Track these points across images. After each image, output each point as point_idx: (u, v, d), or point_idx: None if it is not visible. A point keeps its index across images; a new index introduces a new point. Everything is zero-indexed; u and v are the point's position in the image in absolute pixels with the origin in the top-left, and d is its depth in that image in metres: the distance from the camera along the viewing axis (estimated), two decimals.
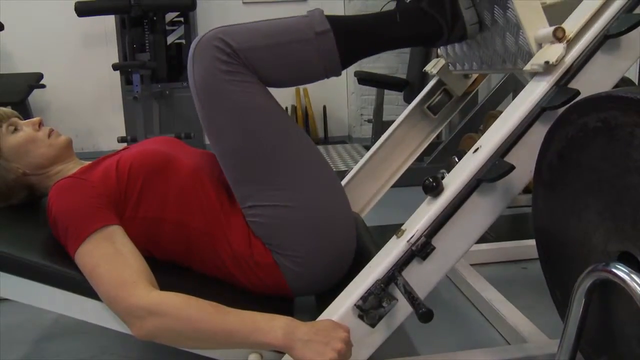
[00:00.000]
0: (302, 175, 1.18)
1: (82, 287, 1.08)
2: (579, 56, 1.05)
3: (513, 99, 3.41)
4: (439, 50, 1.75)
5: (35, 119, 1.33)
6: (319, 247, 1.18)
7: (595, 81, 1.05)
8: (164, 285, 1.07)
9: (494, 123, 1.12)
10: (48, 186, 1.26)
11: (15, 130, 1.29)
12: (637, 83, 2.51)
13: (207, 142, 5.06)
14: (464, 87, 1.76)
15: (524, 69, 1.14)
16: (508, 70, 1.31)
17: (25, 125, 1.31)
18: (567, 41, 1.05)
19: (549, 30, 1.08)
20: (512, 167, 1.00)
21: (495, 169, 1.02)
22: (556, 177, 1.01)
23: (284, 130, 1.19)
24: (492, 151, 1.05)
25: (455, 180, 1.06)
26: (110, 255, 1.06)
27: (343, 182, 1.73)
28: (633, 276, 0.78)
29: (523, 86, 1.14)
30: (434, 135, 1.82)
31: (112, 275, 1.04)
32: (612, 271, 0.81)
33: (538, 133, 1.04)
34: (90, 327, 1.14)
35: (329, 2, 4.92)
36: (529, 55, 1.14)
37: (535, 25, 1.14)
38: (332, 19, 1.19)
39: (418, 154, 1.80)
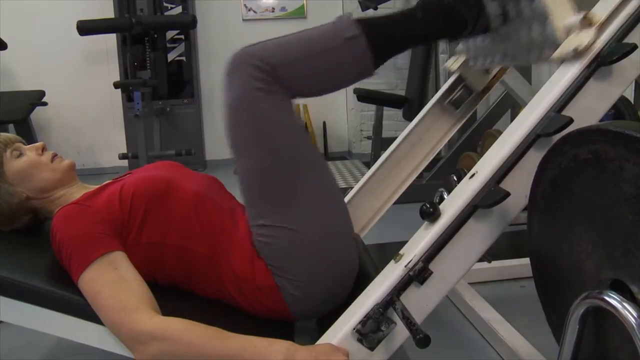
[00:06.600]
0: (315, 201, 1.20)
1: (85, 311, 1.09)
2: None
3: (511, 116, 3.41)
4: (459, 45, 1.75)
5: (39, 144, 1.35)
6: (321, 273, 1.20)
7: (588, 108, 1.07)
8: (165, 309, 1.08)
9: (491, 148, 1.14)
10: (51, 210, 1.28)
11: (20, 155, 1.31)
12: (633, 103, 2.53)
13: (208, 158, 5.04)
14: (484, 82, 1.77)
15: (553, 56, 1.13)
16: (533, 61, 1.30)
17: (29, 150, 1.33)
18: (598, 26, 1.06)
19: (577, 17, 1.09)
20: (507, 194, 1.02)
21: (491, 195, 1.03)
22: (550, 205, 1.03)
23: (305, 154, 1.22)
24: (487, 177, 1.06)
25: (452, 205, 1.07)
26: (113, 281, 1.07)
27: (345, 199, 1.74)
28: (624, 304, 0.80)
29: (521, 105, 1.15)
30: (455, 130, 1.83)
31: (115, 300, 1.05)
32: (605, 299, 0.83)
33: (533, 159, 1.05)
34: (92, 349, 1.15)
35: (328, 16, 4.91)
36: (556, 45, 1.14)
37: (563, 13, 1.14)
38: (361, 22, 1.21)
39: (436, 152, 1.81)
